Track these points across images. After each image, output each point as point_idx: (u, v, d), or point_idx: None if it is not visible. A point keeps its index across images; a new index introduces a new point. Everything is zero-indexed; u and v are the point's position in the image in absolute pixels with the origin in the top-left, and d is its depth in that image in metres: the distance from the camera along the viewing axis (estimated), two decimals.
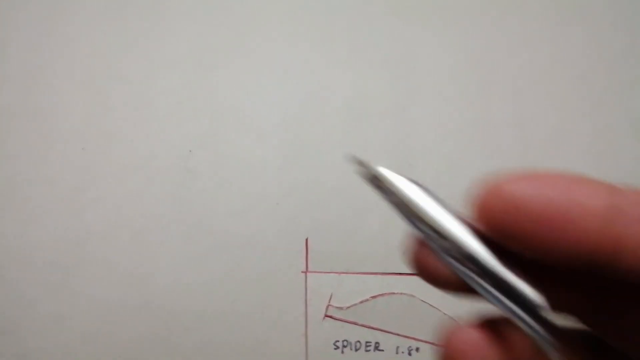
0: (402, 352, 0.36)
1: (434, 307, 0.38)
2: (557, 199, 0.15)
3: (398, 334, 0.37)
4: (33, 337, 0.35)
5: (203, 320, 0.36)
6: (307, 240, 0.39)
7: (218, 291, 0.37)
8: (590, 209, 0.15)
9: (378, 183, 0.18)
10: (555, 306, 0.16)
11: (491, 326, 0.16)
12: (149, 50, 0.43)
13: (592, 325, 0.18)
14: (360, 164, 0.17)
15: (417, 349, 0.36)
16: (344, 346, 0.36)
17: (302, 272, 0.38)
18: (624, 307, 0.17)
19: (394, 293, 0.38)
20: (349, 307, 0.37)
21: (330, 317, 0.37)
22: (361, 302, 0.37)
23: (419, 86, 0.46)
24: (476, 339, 0.16)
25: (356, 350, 0.36)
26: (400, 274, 0.39)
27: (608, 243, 0.15)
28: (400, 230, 0.40)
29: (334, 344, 0.36)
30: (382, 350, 0.36)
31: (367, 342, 0.36)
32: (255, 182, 0.41)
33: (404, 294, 0.38)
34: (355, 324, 0.37)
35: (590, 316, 0.18)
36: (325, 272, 0.38)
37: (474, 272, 0.16)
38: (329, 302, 0.37)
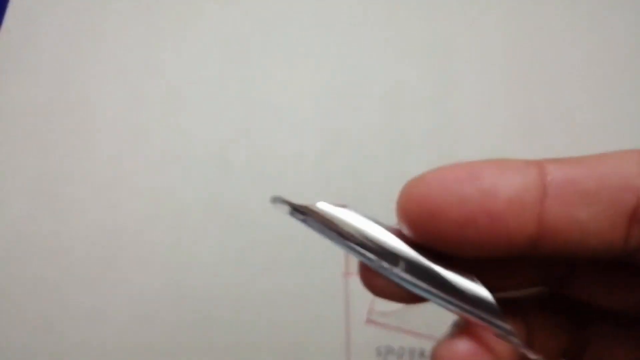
0: None
1: None
2: (468, 194, 0.14)
3: None
4: (70, 334, 0.35)
5: (239, 318, 0.35)
6: None
7: (255, 289, 0.36)
8: (507, 199, 0.14)
9: (305, 217, 0.18)
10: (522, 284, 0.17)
11: (473, 333, 0.16)
12: (182, 43, 0.42)
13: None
14: (283, 202, 0.18)
15: None
16: (387, 352, 0.34)
17: (343, 273, 0.36)
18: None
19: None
20: (393, 312, 0.35)
21: (373, 321, 0.35)
22: (406, 306, 0.35)
23: (461, 74, 0.43)
24: (467, 349, 0.16)
25: (400, 357, 0.34)
26: None
27: (532, 232, 0.14)
28: None
29: (377, 350, 0.34)
30: (427, 358, 0.34)
31: (411, 349, 0.34)
32: (291, 176, 0.39)
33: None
34: (399, 329, 0.35)
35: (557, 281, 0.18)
36: None
37: (418, 283, 0.16)
38: (372, 305, 0.35)
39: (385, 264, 0.17)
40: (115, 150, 0.39)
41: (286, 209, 0.19)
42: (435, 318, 0.35)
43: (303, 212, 0.19)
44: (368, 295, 0.36)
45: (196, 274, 0.36)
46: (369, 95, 0.41)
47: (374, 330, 0.35)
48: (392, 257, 0.17)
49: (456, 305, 0.16)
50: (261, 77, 0.41)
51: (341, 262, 0.37)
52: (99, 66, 0.41)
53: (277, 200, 0.19)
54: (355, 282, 0.36)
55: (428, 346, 0.35)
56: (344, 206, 0.19)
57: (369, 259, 0.17)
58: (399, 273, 0.17)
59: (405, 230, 0.15)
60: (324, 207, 0.19)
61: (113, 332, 0.35)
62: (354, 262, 0.37)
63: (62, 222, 0.37)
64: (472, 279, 0.16)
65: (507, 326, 0.16)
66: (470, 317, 0.16)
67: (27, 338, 0.35)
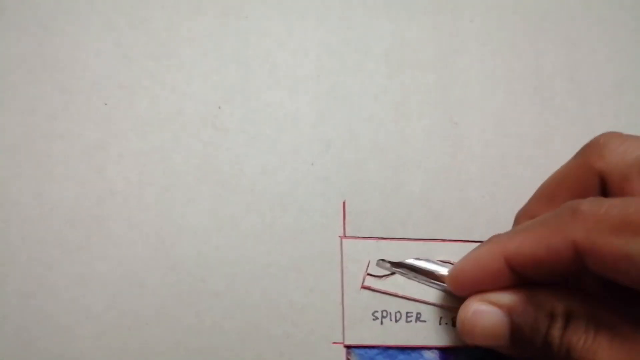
0: (446, 324, 0.34)
1: None
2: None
3: (442, 305, 0.34)
4: (54, 299, 0.34)
5: (234, 284, 0.34)
6: (344, 203, 0.37)
7: (249, 254, 0.35)
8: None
9: (401, 269, 0.34)
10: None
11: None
12: None
13: None
14: (385, 262, 0.35)
15: None
16: (384, 317, 0.34)
17: (339, 237, 0.36)
18: None
19: (437, 261, 0.35)
20: (388, 276, 0.35)
21: (368, 286, 0.35)
22: (402, 270, 0.35)
23: (464, 35, 0.42)
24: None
25: (397, 321, 0.34)
26: (444, 240, 0.36)
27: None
28: (443, 192, 0.37)
29: (373, 314, 0.34)
30: (425, 322, 0.34)
31: (408, 312, 0.34)
32: (287, 139, 0.38)
33: (448, 262, 0.35)
34: (395, 295, 0.34)
35: None
36: (362, 238, 0.36)
37: None
38: (367, 270, 0.35)
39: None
40: (101, 112, 0.38)
41: (387, 265, 0.35)
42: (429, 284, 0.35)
43: (399, 265, 0.34)
44: (364, 259, 0.35)
45: (188, 239, 0.35)
46: (369, 54, 0.40)
47: (370, 295, 0.35)
48: None
49: None
50: (257, 34, 0.40)
51: (338, 225, 0.36)
52: (85, 22, 0.39)
53: (379, 261, 0.35)
54: (351, 246, 0.36)
55: (424, 309, 0.34)
56: (427, 260, 0.35)
57: (444, 287, 0.34)
58: None
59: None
60: (412, 261, 0.35)
61: (101, 298, 0.34)
62: (350, 224, 0.36)
63: (47, 184, 0.36)
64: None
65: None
66: None
67: (12, 303, 0.33)
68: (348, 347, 0.34)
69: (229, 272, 0.35)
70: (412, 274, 0.34)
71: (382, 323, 0.34)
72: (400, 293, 0.34)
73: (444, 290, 0.34)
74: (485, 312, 0.28)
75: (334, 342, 0.34)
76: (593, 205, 0.24)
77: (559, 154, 0.39)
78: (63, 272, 0.34)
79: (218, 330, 0.33)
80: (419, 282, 0.34)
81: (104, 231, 0.35)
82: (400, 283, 0.35)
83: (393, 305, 0.34)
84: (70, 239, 0.35)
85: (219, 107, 0.38)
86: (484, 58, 0.41)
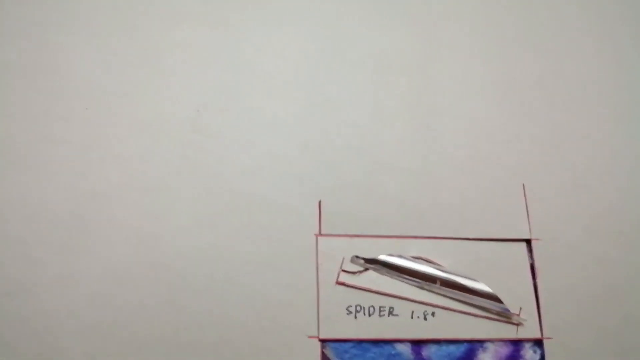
0: (418, 317, 0.35)
1: (449, 271, 0.37)
2: None
3: (413, 300, 0.36)
4: (38, 298, 0.34)
5: (213, 282, 0.35)
6: (320, 202, 0.38)
7: (228, 253, 0.36)
8: None
9: (375, 265, 0.36)
10: None
11: None
12: (154, 3, 0.41)
13: None
14: (359, 258, 0.36)
15: (433, 314, 0.35)
16: (357, 311, 0.35)
17: (315, 234, 0.37)
18: None
19: (408, 257, 0.37)
20: (362, 272, 0.36)
21: (342, 282, 0.36)
22: (374, 266, 0.36)
23: (441, 42, 0.44)
24: None
25: (370, 315, 0.35)
26: (416, 237, 0.38)
27: None
28: (416, 192, 0.38)
29: (347, 309, 0.35)
30: (397, 315, 0.35)
31: (381, 307, 0.35)
32: (266, 141, 0.39)
33: (420, 258, 0.37)
34: (368, 290, 0.36)
35: None
36: (337, 236, 0.37)
37: (449, 291, 0.36)
38: (342, 266, 0.36)
39: (426, 284, 0.35)
40: (83, 116, 0.39)
41: (361, 262, 0.36)
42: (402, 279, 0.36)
43: (373, 262, 0.36)
44: (338, 256, 0.36)
45: (168, 239, 0.36)
46: (347, 60, 0.42)
47: (344, 290, 0.36)
48: (431, 278, 0.36)
49: (477, 301, 0.35)
50: (236, 39, 0.41)
51: (313, 223, 0.37)
52: (68, 28, 0.40)
53: (354, 258, 0.36)
54: (326, 244, 0.37)
55: (397, 304, 0.36)
56: (399, 256, 0.36)
57: (416, 282, 0.36)
58: (437, 287, 0.35)
59: None
60: (385, 257, 0.36)
61: (85, 297, 0.35)
62: (327, 223, 0.37)
63: (30, 186, 0.37)
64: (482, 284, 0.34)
65: (506, 307, 0.32)
66: (487, 306, 0.35)
67: None
68: (323, 341, 0.35)
69: (208, 270, 0.36)
70: (385, 269, 0.36)
71: (356, 317, 0.35)
72: (374, 288, 0.36)
73: (416, 286, 0.35)
74: None
75: (309, 337, 0.35)
76: None
77: (528, 156, 0.41)
78: (45, 271, 0.35)
79: (197, 326, 0.34)
80: (391, 277, 0.35)
81: (86, 231, 0.36)
82: (373, 279, 0.36)
83: (367, 300, 0.35)
84: (53, 239, 0.36)
85: (198, 111, 0.39)
86: (458, 65, 0.43)
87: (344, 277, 0.36)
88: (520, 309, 0.36)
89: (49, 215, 0.36)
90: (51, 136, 0.38)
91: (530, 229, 0.38)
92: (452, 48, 0.43)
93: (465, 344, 0.36)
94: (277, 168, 0.39)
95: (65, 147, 0.38)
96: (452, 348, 0.35)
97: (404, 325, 0.35)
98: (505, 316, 0.36)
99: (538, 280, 0.37)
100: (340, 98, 0.41)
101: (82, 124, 0.38)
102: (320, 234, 0.37)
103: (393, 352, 0.35)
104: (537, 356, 0.36)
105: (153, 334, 0.34)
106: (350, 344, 0.35)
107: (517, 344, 0.36)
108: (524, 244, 0.38)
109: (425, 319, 0.35)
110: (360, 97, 0.41)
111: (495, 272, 0.37)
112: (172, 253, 0.36)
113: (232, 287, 0.35)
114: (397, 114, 0.41)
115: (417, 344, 0.35)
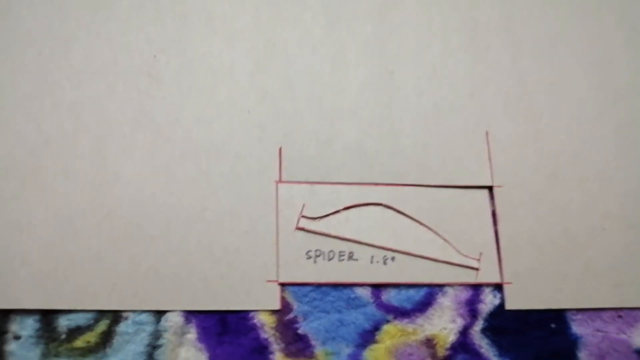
0: (377, 262, 0.35)
1: (410, 217, 0.37)
2: None
3: (373, 245, 0.35)
4: None
5: (169, 230, 0.35)
6: (280, 149, 0.37)
7: (185, 201, 0.36)
8: None
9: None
10: None
11: None
12: None
13: None
14: None
15: (393, 259, 0.35)
16: (317, 256, 0.35)
17: (275, 181, 0.37)
18: None
19: (368, 203, 0.37)
20: (321, 218, 0.36)
21: (302, 227, 0.35)
22: (334, 212, 0.36)
23: None
24: None
25: (329, 260, 0.35)
26: (376, 184, 0.37)
27: None
28: (377, 140, 0.38)
29: (307, 254, 0.35)
30: (357, 260, 0.35)
31: (340, 251, 0.35)
32: (224, 88, 0.38)
33: (379, 204, 0.36)
34: (328, 235, 0.35)
35: None
36: (298, 183, 0.37)
37: None
38: (302, 212, 0.36)
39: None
40: (36, 62, 0.37)
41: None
42: (362, 224, 0.36)
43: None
44: (298, 203, 0.36)
45: (123, 187, 0.35)
46: (307, 5, 0.41)
47: (304, 236, 0.35)
48: None
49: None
50: None
51: (274, 171, 0.37)
52: None
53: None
54: (287, 191, 0.36)
55: (357, 249, 0.35)
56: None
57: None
58: None
59: None
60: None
61: (37, 245, 0.34)
62: (286, 169, 0.37)
63: None
64: None
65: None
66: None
67: None
68: (282, 284, 0.35)
69: (165, 217, 0.35)
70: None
71: (315, 262, 0.35)
72: (333, 233, 0.35)
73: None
74: None
75: (268, 280, 0.34)
76: None
77: (492, 103, 0.40)
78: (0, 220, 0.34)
79: (153, 274, 0.34)
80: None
81: (39, 180, 0.35)
82: (333, 224, 0.36)
83: (326, 245, 0.35)
84: (5, 187, 0.35)
85: (155, 57, 0.38)
86: (421, 10, 0.42)
87: (303, 223, 0.36)
88: (481, 254, 0.36)
89: (1, 163, 0.35)
90: (3, 83, 0.37)
91: (492, 176, 0.38)
92: None
93: (424, 288, 0.36)
94: (237, 115, 0.38)
95: (18, 94, 0.36)
96: (411, 292, 0.36)
97: (364, 270, 0.35)
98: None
99: (499, 227, 0.37)
100: (301, 44, 0.40)
101: (34, 70, 0.37)
102: (280, 180, 0.37)
103: (352, 295, 0.35)
104: (497, 300, 0.36)
105: (108, 282, 0.34)
106: (309, 288, 0.35)
107: (476, 288, 0.36)
108: (486, 191, 0.38)
109: (385, 263, 0.35)
110: (322, 43, 0.40)
111: (456, 218, 0.37)
112: (127, 201, 0.35)
113: (188, 234, 0.35)
114: (359, 60, 0.40)
115: (377, 287, 0.35)
